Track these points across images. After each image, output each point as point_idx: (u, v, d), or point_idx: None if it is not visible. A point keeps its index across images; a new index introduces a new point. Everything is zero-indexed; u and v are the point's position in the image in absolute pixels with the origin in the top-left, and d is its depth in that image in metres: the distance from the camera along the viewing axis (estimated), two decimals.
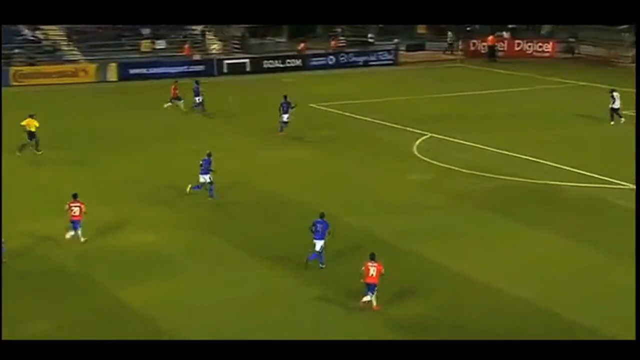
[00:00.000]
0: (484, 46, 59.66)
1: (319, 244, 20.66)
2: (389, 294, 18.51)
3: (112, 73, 51.14)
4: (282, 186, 27.21)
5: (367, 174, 28.79)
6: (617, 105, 36.47)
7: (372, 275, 18.40)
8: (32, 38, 52.45)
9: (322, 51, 57.68)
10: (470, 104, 41.82)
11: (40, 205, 25.06)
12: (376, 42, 60.55)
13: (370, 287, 18.46)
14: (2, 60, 47.95)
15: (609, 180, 27.44)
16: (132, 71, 51.28)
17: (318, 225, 20.80)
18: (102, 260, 21.04)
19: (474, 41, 60.29)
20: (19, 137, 31.42)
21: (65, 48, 53.37)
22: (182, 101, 39.78)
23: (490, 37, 58.34)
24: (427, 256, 21.11)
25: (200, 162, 26.10)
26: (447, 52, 59.99)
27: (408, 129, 35.81)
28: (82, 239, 22.35)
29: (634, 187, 26.55)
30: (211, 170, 25.89)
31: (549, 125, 36.76)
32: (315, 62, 55.46)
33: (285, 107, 34.78)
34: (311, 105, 41.64)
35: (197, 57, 54.77)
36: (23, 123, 31.59)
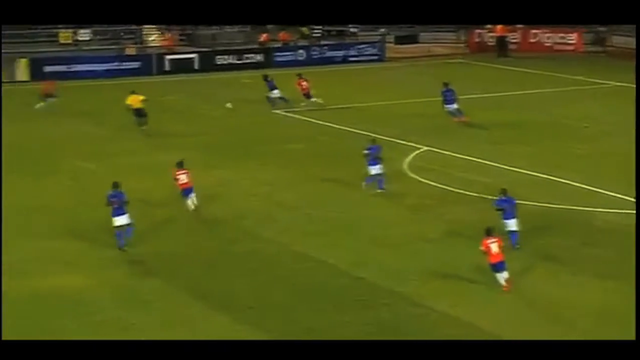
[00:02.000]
0: (491, 38, 60.33)
1: (511, 224, 23.52)
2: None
3: (21, 71, 51.02)
4: (237, 217, 27.32)
5: (347, 200, 28.94)
6: None
7: (496, 252, 21.14)
8: None
9: (291, 44, 57.99)
10: (476, 109, 42.21)
11: None
12: (359, 33, 60.93)
13: (498, 266, 21.25)
14: None
15: None
16: (48, 69, 51.21)
17: (504, 203, 23.19)
18: (9, 308, 20.87)
19: (480, 31, 61.00)
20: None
21: None
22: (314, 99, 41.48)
23: (499, 27, 58.92)
24: (425, 301, 21.31)
25: (366, 151, 28.33)
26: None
27: (398, 141, 36.09)
28: (192, 206, 26.84)
29: None
30: (380, 159, 28.67)
31: (575, 136, 37.25)
32: (281, 57, 55.74)
33: (449, 95, 38.44)
34: (275, 111, 41.87)
35: (131, 51, 54.84)
36: (128, 102, 37.16)
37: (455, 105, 38.69)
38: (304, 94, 41.59)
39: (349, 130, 38.27)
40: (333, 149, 35.44)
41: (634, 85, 47.43)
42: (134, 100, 37.51)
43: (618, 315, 20.46)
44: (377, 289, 22.00)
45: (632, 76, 49.62)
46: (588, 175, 31.05)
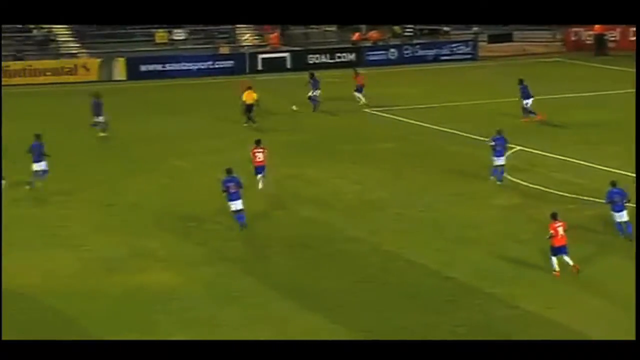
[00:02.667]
0: (589, 36, 59.30)
1: (622, 215, 24.26)
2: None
3: (119, 70, 52.14)
4: (328, 216, 27.46)
5: (438, 199, 28.86)
6: None
7: (562, 235, 22.14)
8: (19, 26, 53.02)
9: (382, 43, 57.96)
10: (572, 109, 41.65)
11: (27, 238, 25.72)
12: (452, 32, 60.54)
13: (560, 250, 22.07)
14: None
15: None
16: (144, 68, 52.23)
17: (616, 196, 24.29)
18: (104, 304, 21.43)
19: (577, 30, 60.03)
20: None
21: (62, 39, 54.46)
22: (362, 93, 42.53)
23: (597, 25, 57.98)
24: (517, 302, 21.16)
25: (493, 143, 29.93)
26: None
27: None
28: (260, 186, 28.30)
29: None
30: (506, 150, 30.10)
31: None
32: (372, 56, 55.79)
33: (525, 91, 39.16)
34: (366, 110, 41.91)
35: (224, 50, 55.48)
36: (243, 98, 38.16)
37: (530, 102, 39.05)
38: (358, 87, 42.38)
39: (439, 130, 38.13)
40: (423, 148, 35.35)
41: None
42: (249, 97, 38.34)
43: None
44: (468, 289, 21.91)
45: None
46: None
